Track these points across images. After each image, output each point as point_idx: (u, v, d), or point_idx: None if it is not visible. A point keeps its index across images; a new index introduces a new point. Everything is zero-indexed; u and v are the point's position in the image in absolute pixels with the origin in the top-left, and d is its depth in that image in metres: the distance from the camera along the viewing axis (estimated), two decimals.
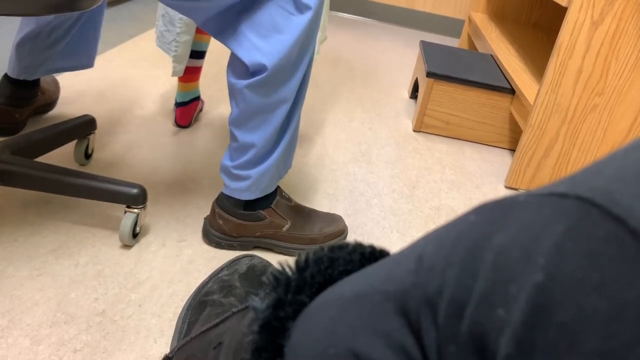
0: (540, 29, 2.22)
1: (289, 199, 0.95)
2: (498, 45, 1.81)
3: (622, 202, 0.21)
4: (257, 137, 0.83)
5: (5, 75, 1.12)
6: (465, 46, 2.37)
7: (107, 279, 0.81)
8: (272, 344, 0.33)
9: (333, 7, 2.89)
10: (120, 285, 0.80)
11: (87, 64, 1.16)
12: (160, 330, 0.73)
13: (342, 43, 2.34)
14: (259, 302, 0.35)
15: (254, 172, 0.86)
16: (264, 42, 0.76)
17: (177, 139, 1.26)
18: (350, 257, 0.37)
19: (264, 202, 0.90)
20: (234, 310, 0.57)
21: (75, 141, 1.07)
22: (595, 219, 0.21)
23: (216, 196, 0.93)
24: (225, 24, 0.78)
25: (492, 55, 1.76)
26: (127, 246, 0.88)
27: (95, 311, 0.75)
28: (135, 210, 0.86)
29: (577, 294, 0.20)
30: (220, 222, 0.90)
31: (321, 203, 1.10)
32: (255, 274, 0.72)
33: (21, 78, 1.09)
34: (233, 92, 0.81)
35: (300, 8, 0.76)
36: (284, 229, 0.91)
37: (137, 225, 0.88)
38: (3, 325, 0.71)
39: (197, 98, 1.34)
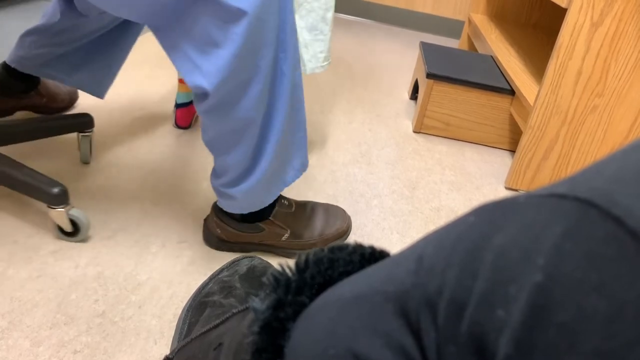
0: (540, 30, 2.22)
1: (290, 205, 0.92)
2: (498, 46, 1.81)
3: (621, 202, 0.21)
4: (230, 159, 0.78)
5: (4, 62, 1.12)
6: (465, 47, 2.38)
7: (107, 281, 0.81)
8: (272, 344, 0.33)
9: None
10: (120, 286, 0.80)
11: (95, 91, 1.10)
12: (161, 332, 0.73)
13: (341, 44, 2.34)
14: (259, 303, 0.35)
15: (237, 191, 0.82)
16: (203, 59, 0.68)
17: (177, 140, 1.26)
18: (350, 258, 0.37)
19: (261, 214, 0.88)
20: (234, 311, 0.57)
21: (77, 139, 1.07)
22: (594, 219, 0.21)
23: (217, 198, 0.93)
24: (162, 27, 0.70)
25: (492, 56, 1.76)
26: (127, 248, 0.88)
27: (95, 312, 0.75)
28: (60, 209, 0.85)
29: (576, 294, 0.20)
30: (219, 230, 0.90)
31: None
32: (255, 275, 0.72)
33: (12, 66, 1.08)
34: None
35: (233, 15, 0.65)
36: (283, 238, 0.91)
37: (69, 225, 0.86)
38: (3, 326, 0.71)
39: None
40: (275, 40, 0.71)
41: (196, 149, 1.24)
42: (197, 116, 1.38)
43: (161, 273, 0.84)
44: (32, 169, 0.87)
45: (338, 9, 2.91)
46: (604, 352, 0.19)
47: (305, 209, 0.95)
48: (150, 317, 0.75)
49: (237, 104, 0.72)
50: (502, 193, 1.30)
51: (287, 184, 0.88)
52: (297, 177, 0.89)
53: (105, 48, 1.06)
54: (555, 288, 0.20)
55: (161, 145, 1.23)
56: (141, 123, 1.31)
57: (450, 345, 0.24)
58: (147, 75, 1.61)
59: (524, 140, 1.28)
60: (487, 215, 0.26)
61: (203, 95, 0.71)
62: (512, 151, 1.55)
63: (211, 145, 0.80)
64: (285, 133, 0.80)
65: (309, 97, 1.68)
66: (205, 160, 1.19)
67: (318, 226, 0.94)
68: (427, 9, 2.82)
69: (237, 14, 0.65)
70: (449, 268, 0.25)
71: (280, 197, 0.92)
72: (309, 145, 1.36)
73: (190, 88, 0.71)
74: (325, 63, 1.17)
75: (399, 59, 2.27)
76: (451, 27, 2.82)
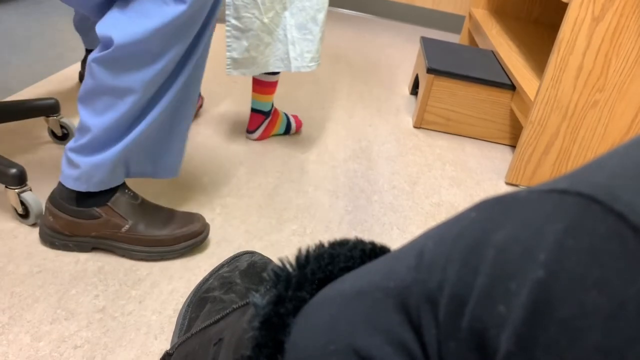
0: (541, 25, 2.21)
1: (135, 197, 0.86)
2: (499, 41, 1.81)
3: (623, 198, 0.21)
4: (97, 121, 0.77)
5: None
6: (465, 42, 2.37)
7: (108, 276, 0.81)
8: (273, 340, 0.33)
9: (333, 3, 2.89)
10: (121, 281, 0.80)
11: None
12: (161, 327, 0.73)
13: (342, 39, 2.33)
14: (260, 298, 0.35)
15: (84, 160, 0.78)
16: (126, 19, 0.72)
17: None
18: (350, 253, 0.37)
19: (98, 198, 0.82)
20: (235, 306, 0.57)
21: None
22: (596, 215, 0.21)
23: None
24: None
25: (492, 52, 1.76)
26: None
27: (95, 308, 0.75)
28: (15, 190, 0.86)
29: (577, 290, 0.20)
30: (51, 219, 0.83)
31: (321, 200, 1.10)
32: (255, 271, 0.72)
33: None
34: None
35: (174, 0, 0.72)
36: (123, 230, 0.83)
37: (19, 206, 0.87)
38: (4, 321, 0.71)
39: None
40: (193, 39, 0.77)
41: (196, 144, 1.24)
42: (197, 111, 1.37)
43: (161, 268, 0.84)
44: None
45: (338, 4, 2.90)
46: (605, 348, 0.19)
47: (157, 208, 0.89)
48: (150, 313, 0.75)
49: (134, 69, 0.74)
50: (502, 188, 1.30)
51: (136, 175, 0.86)
52: (158, 176, 0.89)
53: None
54: (556, 284, 0.20)
55: None
56: None
57: (450, 341, 0.24)
58: None
59: (524, 136, 1.27)
60: (488, 211, 0.26)
61: (106, 44, 0.73)
62: (513, 146, 1.55)
63: (86, 100, 0.77)
64: (163, 123, 0.82)
65: (309, 92, 1.68)
66: (205, 157, 1.19)
67: (170, 224, 0.87)
68: (428, 4, 2.81)
69: (177, 0, 0.71)
70: (450, 264, 0.25)
71: (124, 185, 0.86)
72: (309, 140, 1.36)
73: (99, 36, 0.73)
74: (313, 64, 1.16)
75: (399, 54, 2.26)
76: (452, 22, 2.81)
